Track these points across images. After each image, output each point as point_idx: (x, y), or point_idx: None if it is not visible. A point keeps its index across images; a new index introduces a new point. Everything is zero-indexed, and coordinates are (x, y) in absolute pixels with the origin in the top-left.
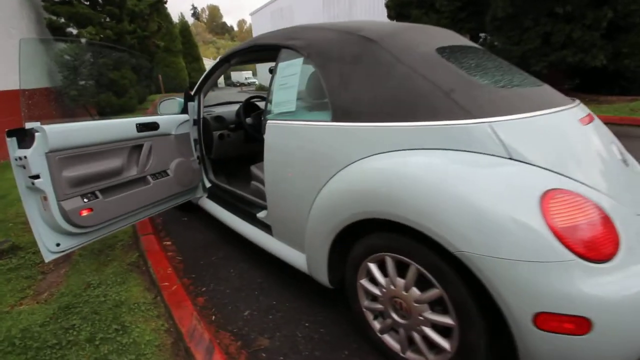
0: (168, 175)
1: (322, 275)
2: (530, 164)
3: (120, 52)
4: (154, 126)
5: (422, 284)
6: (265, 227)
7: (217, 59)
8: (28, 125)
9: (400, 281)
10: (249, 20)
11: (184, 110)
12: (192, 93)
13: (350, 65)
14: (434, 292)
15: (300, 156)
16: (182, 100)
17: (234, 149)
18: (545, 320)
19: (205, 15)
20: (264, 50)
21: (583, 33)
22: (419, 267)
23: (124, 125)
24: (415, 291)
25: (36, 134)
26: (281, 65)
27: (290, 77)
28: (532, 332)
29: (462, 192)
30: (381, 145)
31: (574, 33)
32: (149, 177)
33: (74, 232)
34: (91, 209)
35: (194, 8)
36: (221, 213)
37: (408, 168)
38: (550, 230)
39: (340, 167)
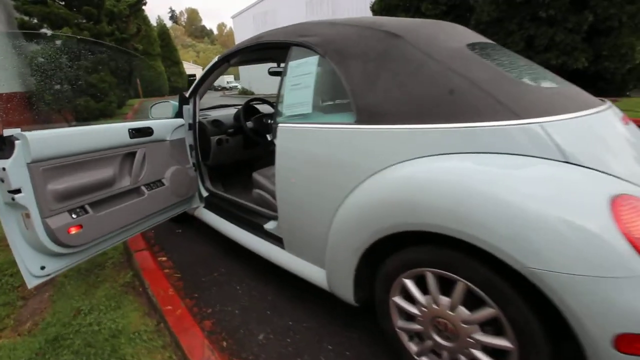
0: (163, 184)
1: (346, 293)
2: (588, 168)
3: (111, 50)
4: (147, 131)
5: (471, 301)
6: (275, 240)
7: (215, 59)
8: (6, 132)
9: (444, 299)
10: (229, 23)
11: (179, 114)
12: (187, 95)
13: (375, 62)
14: (488, 312)
15: (318, 162)
16: (177, 103)
17: (233, 154)
18: (629, 342)
19: (183, 19)
20: (270, 49)
21: (565, 36)
22: (469, 284)
23: (115, 131)
24: (463, 310)
25: (16, 142)
26: (292, 64)
27: (303, 76)
28: (612, 355)
29: (526, 203)
30: (418, 149)
31: (557, 36)
32: (143, 188)
33: (61, 253)
34: (81, 226)
35: (172, 11)
36: (221, 224)
37: (457, 175)
38: (627, 241)
39: (367, 174)
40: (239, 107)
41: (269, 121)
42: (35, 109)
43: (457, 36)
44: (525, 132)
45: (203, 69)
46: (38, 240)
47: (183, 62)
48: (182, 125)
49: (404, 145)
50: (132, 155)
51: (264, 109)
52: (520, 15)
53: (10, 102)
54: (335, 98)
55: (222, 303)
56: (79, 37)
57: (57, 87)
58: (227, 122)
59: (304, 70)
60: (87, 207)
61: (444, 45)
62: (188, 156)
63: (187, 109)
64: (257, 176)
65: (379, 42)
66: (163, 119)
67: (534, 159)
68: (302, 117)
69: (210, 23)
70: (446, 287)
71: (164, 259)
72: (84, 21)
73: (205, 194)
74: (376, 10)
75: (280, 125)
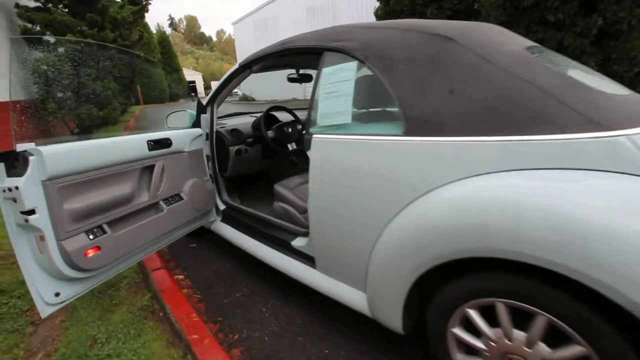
0: (182, 199)
1: (393, 320)
2: None
3: (128, 55)
4: (166, 143)
5: (552, 335)
6: (305, 259)
7: (236, 65)
8: (19, 147)
9: (519, 334)
10: (228, 30)
11: (196, 124)
12: (205, 104)
13: (426, 68)
14: (576, 350)
15: (360, 177)
16: (194, 112)
17: (251, 165)
18: None
19: (182, 26)
20: (297, 55)
21: (574, 40)
22: (553, 318)
23: (134, 143)
24: (543, 348)
25: (30, 157)
26: (326, 70)
27: (340, 84)
28: None
29: (630, 229)
30: (483, 164)
31: (565, 40)
32: (162, 203)
33: (77, 278)
34: (99, 248)
35: (171, 18)
36: (241, 239)
37: (546, 197)
38: None
39: (421, 191)
40: (255, 115)
41: (290, 130)
42: (38, 117)
43: (511, 39)
44: (612, 146)
45: (203, 76)
46: (53, 265)
47: (183, 68)
48: (200, 135)
49: (463, 160)
50: (151, 168)
51: (283, 117)
52: (527, 19)
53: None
54: (378, 107)
55: (249, 328)
56: (87, 40)
57: (60, 95)
58: (246, 131)
59: (340, 77)
60: (105, 226)
61: (502, 49)
62: (206, 168)
63: (205, 117)
64: (280, 188)
65: (427, 45)
66: (180, 129)
67: (624, 177)
68: (339, 128)
69: (209, 30)
70: (524, 319)
71: (181, 277)
72: (87, 28)
73: (222, 207)
74: (380, 15)
75: (315, 136)
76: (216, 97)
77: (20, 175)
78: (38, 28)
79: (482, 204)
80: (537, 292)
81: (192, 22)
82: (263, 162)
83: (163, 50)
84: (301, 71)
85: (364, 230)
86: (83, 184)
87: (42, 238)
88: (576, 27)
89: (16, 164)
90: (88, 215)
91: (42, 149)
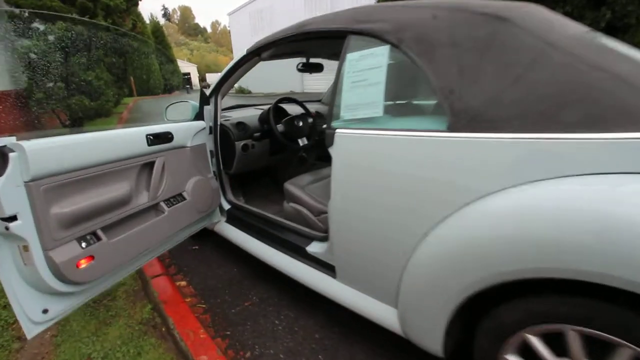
0: (184, 199)
1: (431, 342)
2: None
3: (122, 35)
4: (167, 137)
5: None
6: (323, 266)
7: (244, 52)
8: None
9: None
10: (223, 21)
11: (199, 116)
12: (208, 94)
13: (477, 53)
14: None
15: (393, 180)
16: (196, 103)
17: (258, 161)
18: None
19: (176, 17)
20: (316, 39)
21: None
22: None
23: (131, 138)
24: None
25: (10, 154)
26: (352, 56)
27: (369, 71)
28: None
29: None
30: (557, 166)
31: None
32: (162, 204)
33: (67, 292)
34: (92, 257)
35: (165, 9)
36: (248, 242)
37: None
38: None
39: (470, 197)
40: (261, 107)
41: (300, 124)
42: (26, 108)
43: (563, 20)
44: None
45: (198, 68)
46: (39, 278)
47: (177, 60)
48: (203, 128)
49: (525, 161)
50: (150, 165)
51: (292, 110)
52: None
53: (8, 101)
54: (415, 98)
55: (262, 344)
56: (71, 16)
57: (50, 84)
58: (252, 124)
59: (369, 64)
60: (99, 232)
61: (564, 32)
62: (209, 164)
63: (208, 109)
64: (290, 187)
65: (478, 26)
66: (181, 122)
67: None
68: (368, 122)
69: (204, 21)
70: (598, 348)
71: (183, 283)
72: (79, 15)
73: (227, 206)
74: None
75: (338, 131)
76: (220, 88)
77: None
78: (27, 14)
79: (562, 215)
80: (624, 320)
81: (186, 12)
82: (271, 157)
83: (157, 41)
84: (311, 60)
85: (397, 239)
86: (73, 184)
87: (26, 248)
88: (585, 20)
89: None
90: (79, 221)
91: (25, 144)
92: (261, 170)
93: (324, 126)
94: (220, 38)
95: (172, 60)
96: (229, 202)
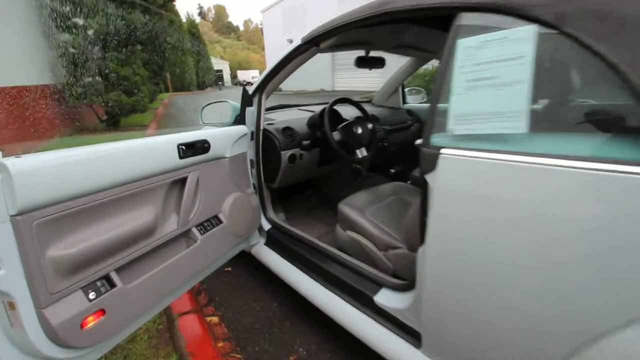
0: (220, 222)
1: None
2: None
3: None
4: (203, 147)
5: None
6: (399, 327)
7: (298, 41)
8: None
9: None
10: (255, 20)
11: (239, 119)
12: (251, 93)
13: None
14: None
15: (559, 236)
16: (237, 104)
17: (305, 174)
18: None
19: (211, 15)
20: (399, 22)
21: None
22: None
23: (159, 149)
24: None
25: None
26: (467, 43)
27: (503, 65)
28: None
29: None
30: None
31: None
32: (194, 231)
33: (69, 358)
34: (103, 312)
35: (200, 7)
36: (292, 274)
37: None
38: None
39: None
40: (305, 108)
41: (359, 131)
42: (65, 103)
43: None
44: None
45: (230, 65)
46: (30, 344)
47: (214, 57)
48: (245, 134)
49: None
50: (182, 183)
51: (346, 113)
52: None
53: (39, 95)
54: (588, 107)
55: None
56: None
57: (88, 79)
58: (300, 130)
59: (501, 53)
60: (113, 276)
61: None
62: (249, 178)
63: (251, 111)
64: (347, 211)
65: None
66: (219, 126)
67: None
68: (500, 141)
69: (236, 19)
70: None
71: (215, 319)
72: (117, 8)
73: (267, 226)
74: None
75: (444, 152)
76: (266, 85)
77: None
78: (68, 8)
79: None
80: None
81: (220, 11)
82: (318, 168)
83: (192, 38)
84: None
85: (569, 326)
86: (79, 215)
87: (12, 305)
88: None
89: None
90: (87, 263)
91: (10, 162)
92: (311, 183)
93: (418, 142)
94: (251, 36)
95: (206, 57)
96: (270, 221)
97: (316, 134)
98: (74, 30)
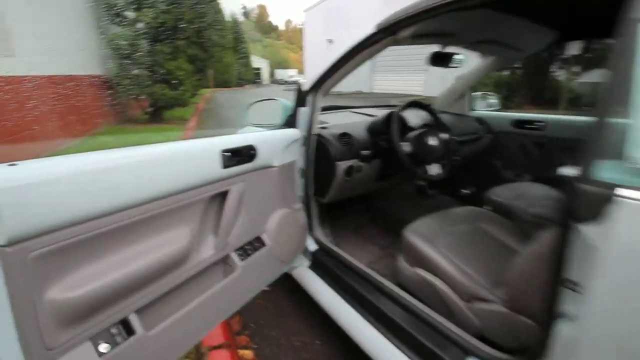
0: (263, 244)
1: None
2: None
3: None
4: (249, 154)
5: None
6: None
7: (372, 29)
8: None
9: None
10: (295, 20)
11: (291, 121)
12: (307, 90)
13: None
14: None
15: None
16: (288, 102)
17: (360, 188)
18: None
19: (253, 14)
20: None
21: None
22: None
23: (197, 156)
24: None
25: None
26: None
27: None
28: None
29: None
30: None
31: None
32: (233, 257)
33: None
34: None
35: (244, 7)
36: (341, 310)
37: None
38: None
39: None
40: (360, 111)
41: (434, 142)
42: (113, 94)
43: None
44: None
45: (270, 64)
46: None
47: (253, 55)
48: (297, 139)
49: None
50: (222, 197)
51: (410, 119)
52: None
53: (88, 86)
54: None
55: None
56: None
57: (136, 72)
58: (359, 137)
59: None
60: (132, 320)
61: None
62: (297, 190)
63: (305, 113)
64: (416, 242)
65: None
66: (267, 128)
67: None
68: None
69: (277, 19)
70: None
71: (248, 353)
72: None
73: (312, 246)
74: None
75: (625, 192)
76: (323, 83)
77: None
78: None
79: None
80: None
81: (262, 10)
82: (375, 183)
83: (235, 36)
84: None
85: None
86: (90, 243)
87: None
88: None
89: None
90: (98, 306)
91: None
92: (366, 198)
93: (569, 171)
94: (291, 36)
95: (246, 55)
96: (317, 241)
97: (378, 143)
98: (124, 23)
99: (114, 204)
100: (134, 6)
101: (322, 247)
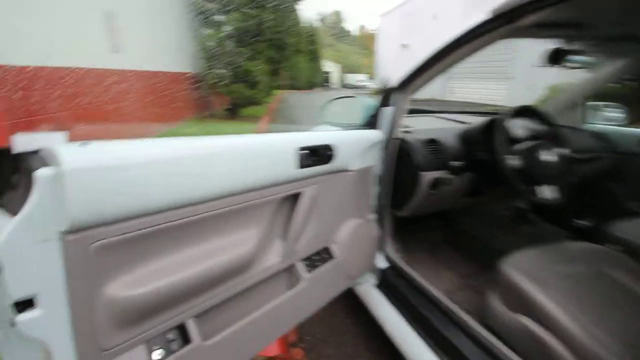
0: (332, 257)
1: None
2: None
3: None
4: (326, 154)
5: None
6: None
7: (488, 15)
8: (19, 143)
9: None
10: (369, 25)
11: (372, 122)
12: (394, 88)
13: None
14: None
15: None
16: (370, 101)
17: (444, 203)
18: None
19: (329, 20)
20: None
21: None
22: None
23: (273, 151)
24: None
25: (39, 174)
26: None
27: None
28: None
29: None
30: None
31: None
32: (299, 267)
33: None
34: None
35: (320, 14)
36: (411, 345)
37: None
38: None
39: None
40: (449, 116)
41: (548, 157)
42: (199, 90)
43: None
44: None
45: (341, 69)
46: None
47: (325, 60)
48: (378, 142)
49: None
50: (293, 200)
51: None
52: None
53: (178, 81)
54: None
55: None
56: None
57: (220, 71)
58: (449, 145)
59: None
60: (189, 326)
61: None
62: (372, 198)
63: (389, 113)
64: (523, 282)
65: None
66: (344, 128)
67: None
68: None
69: (351, 24)
70: None
71: None
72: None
73: (382, 264)
74: None
75: None
76: (415, 79)
77: (14, 213)
78: (213, 5)
79: None
80: None
81: (337, 16)
82: (462, 199)
83: (309, 40)
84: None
85: None
86: (157, 237)
87: (47, 356)
88: None
89: (19, 183)
90: (158, 307)
91: (65, 152)
92: (449, 216)
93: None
94: (364, 41)
95: (318, 59)
96: (387, 258)
97: (474, 154)
98: (213, 25)
99: (183, 197)
100: (224, 10)
101: (393, 266)
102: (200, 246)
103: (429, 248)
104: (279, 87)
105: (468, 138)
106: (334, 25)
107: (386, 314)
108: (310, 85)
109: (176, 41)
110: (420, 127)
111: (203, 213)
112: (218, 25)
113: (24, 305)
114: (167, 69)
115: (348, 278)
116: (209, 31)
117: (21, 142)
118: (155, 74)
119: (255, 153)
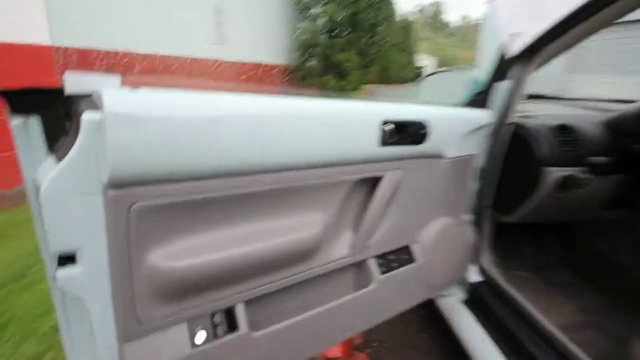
0: (412, 259)
1: None
2: None
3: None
4: (417, 133)
5: None
6: None
7: None
8: (71, 83)
9: None
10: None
11: (479, 100)
12: (514, 57)
13: None
14: None
15: None
16: (480, 75)
17: (573, 212)
18: None
19: (428, 12)
20: None
21: None
22: None
23: (349, 121)
24: None
25: (85, 117)
26: None
27: None
28: None
29: None
30: None
31: None
32: (371, 265)
33: None
34: None
35: (419, 5)
36: None
37: None
38: None
39: None
40: (581, 104)
41: None
42: (290, 81)
43: None
44: None
45: (437, 63)
46: None
47: (419, 53)
48: (487, 125)
49: None
50: (371, 185)
51: None
52: None
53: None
54: None
55: None
56: None
57: (312, 63)
58: (588, 134)
59: None
60: (238, 311)
61: None
62: (469, 195)
63: (505, 90)
64: None
65: None
66: (444, 106)
67: None
68: None
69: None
70: None
71: None
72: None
73: (474, 277)
74: None
75: None
76: (546, 45)
77: (61, 158)
78: None
79: None
80: None
81: (436, 7)
82: (602, 211)
83: (404, 33)
84: None
85: None
86: (210, 205)
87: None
88: None
89: (64, 127)
90: (204, 285)
91: (109, 95)
92: (561, 225)
93: None
94: (466, 32)
95: (412, 53)
96: (482, 270)
97: (629, 149)
98: (309, 17)
99: (241, 164)
100: (320, 2)
101: (487, 281)
102: (255, 224)
103: (538, 267)
104: (368, 81)
105: (620, 126)
106: (433, 17)
107: (473, 336)
108: (402, 80)
109: (273, 34)
110: (545, 113)
111: (262, 185)
112: (314, 18)
113: (66, 260)
114: (264, 61)
115: (430, 288)
116: (304, 24)
117: (72, 82)
118: (255, 66)
119: (330, 121)
